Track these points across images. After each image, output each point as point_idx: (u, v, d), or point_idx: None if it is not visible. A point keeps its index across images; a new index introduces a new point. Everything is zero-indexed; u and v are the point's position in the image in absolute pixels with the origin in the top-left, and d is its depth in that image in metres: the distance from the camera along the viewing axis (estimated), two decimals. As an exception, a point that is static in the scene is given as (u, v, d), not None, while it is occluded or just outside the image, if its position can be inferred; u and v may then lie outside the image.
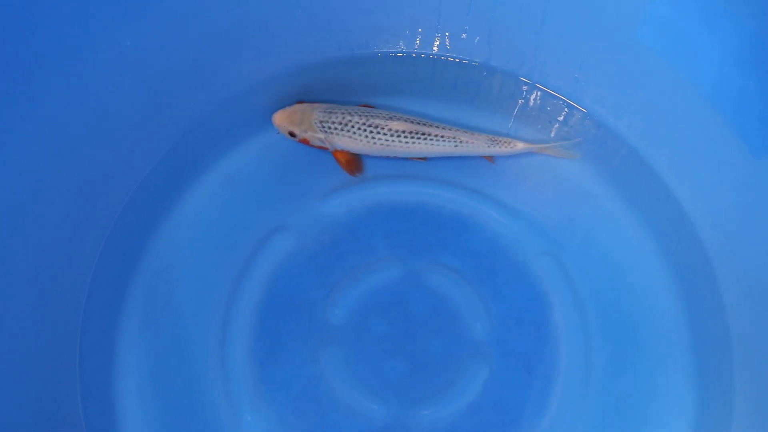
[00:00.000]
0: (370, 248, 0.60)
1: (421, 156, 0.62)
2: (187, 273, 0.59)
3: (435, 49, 0.66)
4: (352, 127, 0.59)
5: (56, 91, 0.52)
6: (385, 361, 0.56)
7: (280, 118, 0.60)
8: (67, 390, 0.54)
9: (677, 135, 0.59)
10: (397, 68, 0.66)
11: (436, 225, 0.61)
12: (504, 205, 0.62)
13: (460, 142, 0.60)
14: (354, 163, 0.62)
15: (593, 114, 0.64)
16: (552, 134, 0.64)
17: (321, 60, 0.65)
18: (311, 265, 0.59)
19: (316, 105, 0.61)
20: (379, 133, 0.59)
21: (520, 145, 0.61)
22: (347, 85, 0.65)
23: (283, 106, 0.61)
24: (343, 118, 0.59)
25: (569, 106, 0.65)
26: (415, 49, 0.66)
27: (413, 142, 0.60)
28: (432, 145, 0.60)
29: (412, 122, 0.60)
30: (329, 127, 0.59)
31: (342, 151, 0.61)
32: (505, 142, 0.61)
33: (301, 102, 0.62)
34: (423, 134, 0.60)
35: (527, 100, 0.65)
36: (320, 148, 0.61)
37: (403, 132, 0.60)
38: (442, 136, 0.60)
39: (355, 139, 0.60)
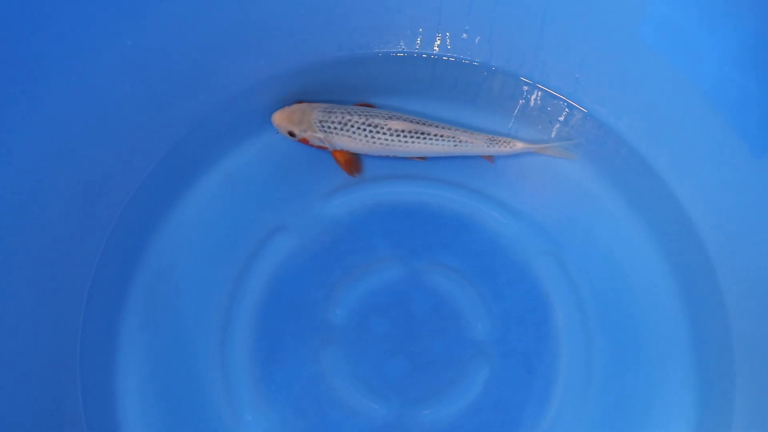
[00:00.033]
0: (370, 248, 0.60)
1: (421, 155, 0.62)
2: (187, 273, 0.59)
3: (436, 49, 0.66)
4: (352, 126, 0.59)
5: (57, 91, 0.52)
6: (386, 361, 0.56)
7: (279, 118, 0.60)
8: (67, 390, 0.54)
9: (678, 135, 0.59)
10: (398, 68, 0.66)
11: (437, 225, 0.61)
12: (504, 205, 0.62)
13: (460, 141, 0.60)
14: (353, 163, 0.62)
15: (594, 114, 0.64)
16: (552, 134, 0.64)
17: (322, 60, 0.65)
18: (312, 265, 0.59)
19: (315, 105, 0.61)
20: (378, 132, 0.59)
21: (519, 145, 0.61)
22: (348, 85, 0.65)
23: (283, 106, 0.61)
24: (343, 117, 0.59)
25: (570, 106, 0.65)
26: (416, 49, 0.66)
27: (413, 142, 0.60)
28: (431, 144, 0.60)
29: (412, 122, 0.60)
30: (329, 127, 0.59)
31: (341, 151, 0.61)
32: (505, 141, 0.61)
33: (300, 102, 0.62)
34: (422, 134, 0.60)
35: (528, 101, 0.65)
36: (320, 147, 0.61)
37: (403, 131, 0.60)
38: (442, 136, 0.60)
39: (355, 138, 0.60)
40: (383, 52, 0.66)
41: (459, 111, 0.64)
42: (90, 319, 0.56)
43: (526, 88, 0.65)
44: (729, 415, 0.54)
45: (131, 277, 0.58)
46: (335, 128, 0.59)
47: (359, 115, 0.60)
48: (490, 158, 0.63)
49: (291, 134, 0.61)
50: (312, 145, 0.61)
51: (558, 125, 0.65)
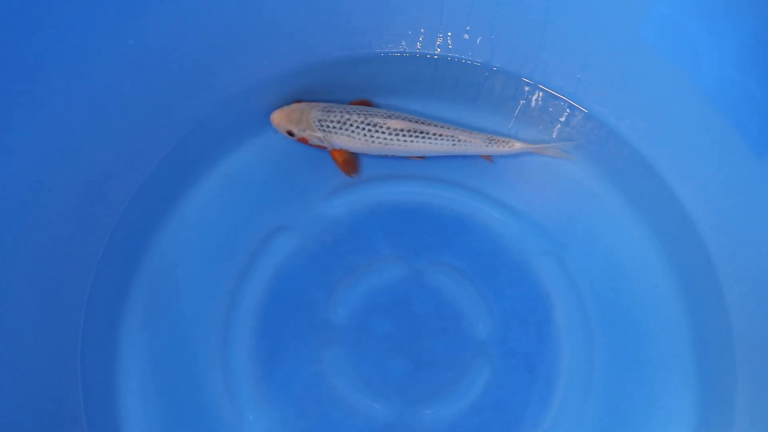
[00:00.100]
0: (371, 248, 0.60)
1: (420, 155, 0.62)
2: (188, 272, 0.59)
3: (437, 49, 0.66)
4: (351, 125, 0.59)
5: (58, 91, 0.52)
6: (387, 361, 0.56)
7: (278, 118, 0.60)
8: (68, 389, 0.54)
9: (679, 135, 0.60)
10: (399, 68, 0.66)
11: (438, 225, 0.61)
12: (505, 205, 0.62)
13: (458, 140, 0.60)
14: (351, 163, 0.62)
15: (595, 114, 0.64)
16: (554, 135, 0.64)
17: (323, 60, 0.65)
18: (312, 265, 0.59)
19: (314, 104, 0.61)
20: (377, 131, 0.59)
21: (518, 145, 0.61)
22: (349, 85, 0.65)
23: (282, 106, 0.61)
24: (342, 116, 0.59)
25: (571, 106, 0.65)
26: (418, 49, 0.66)
27: (411, 141, 0.60)
28: (430, 143, 0.60)
29: (411, 121, 0.60)
30: (328, 126, 0.59)
31: (339, 151, 0.61)
32: (503, 141, 0.61)
33: (299, 101, 0.62)
34: (421, 133, 0.60)
35: (529, 101, 0.65)
36: (318, 147, 0.61)
37: (402, 130, 0.60)
38: (441, 135, 0.60)
39: (354, 137, 0.60)
40: (384, 52, 0.66)
41: (460, 111, 0.65)
42: (91, 319, 0.56)
43: (527, 88, 0.66)
44: (730, 416, 0.54)
45: (132, 276, 0.58)
46: (334, 127, 0.59)
47: (358, 114, 0.60)
48: (489, 158, 0.63)
49: (290, 133, 0.61)
50: (311, 145, 0.61)
51: (559, 126, 0.65)
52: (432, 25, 0.64)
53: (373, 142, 0.60)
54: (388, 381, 0.56)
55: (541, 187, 0.63)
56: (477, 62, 0.66)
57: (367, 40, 0.65)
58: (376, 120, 0.60)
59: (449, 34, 0.65)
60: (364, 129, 0.59)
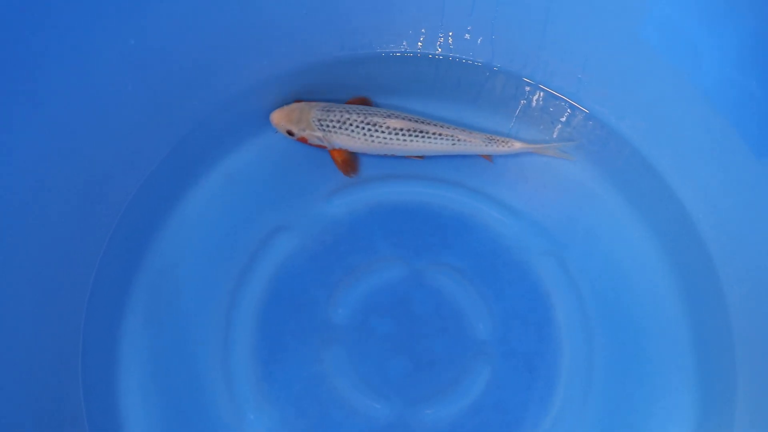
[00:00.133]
0: (371, 248, 0.60)
1: (419, 154, 0.62)
2: (189, 272, 0.59)
3: (438, 49, 0.66)
4: (351, 125, 0.59)
5: (58, 91, 0.52)
6: (388, 361, 0.56)
7: (278, 117, 0.60)
8: (69, 389, 0.54)
9: (680, 135, 0.59)
10: (400, 68, 0.66)
11: (438, 225, 0.61)
12: (506, 205, 0.62)
13: (458, 140, 0.60)
14: (350, 163, 0.62)
15: (596, 115, 0.64)
16: (554, 135, 0.64)
17: (323, 60, 0.64)
18: (313, 265, 0.59)
19: (313, 103, 0.61)
20: (377, 130, 0.59)
21: (518, 145, 0.61)
22: (350, 85, 0.65)
23: (282, 106, 0.61)
24: (341, 116, 0.59)
25: (572, 106, 0.65)
26: (418, 49, 0.66)
27: (411, 140, 0.60)
28: (429, 143, 0.60)
29: (410, 120, 0.60)
30: (327, 126, 0.59)
31: (338, 151, 0.61)
32: (503, 141, 0.61)
33: (298, 101, 0.62)
34: (421, 132, 0.60)
35: (530, 101, 0.65)
36: (318, 146, 0.61)
37: (401, 130, 0.60)
38: (440, 134, 0.60)
39: (353, 137, 0.60)
40: (385, 52, 0.66)
41: (461, 111, 0.64)
42: (92, 318, 0.56)
43: (528, 88, 0.65)
44: (730, 416, 0.54)
45: (133, 276, 0.58)
46: (334, 127, 0.59)
47: (358, 113, 0.60)
48: (489, 158, 0.63)
49: (289, 133, 0.61)
50: (311, 144, 0.61)
51: (560, 126, 0.65)
52: (433, 25, 0.64)
53: (372, 141, 0.60)
54: (388, 381, 0.56)
55: (541, 187, 0.63)
56: (478, 62, 0.66)
57: (367, 40, 0.65)
58: (375, 119, 0.60)
59: (450, 34, 0.65)
60: (363, 128, 0.59)
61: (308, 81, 0.64)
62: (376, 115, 0.60)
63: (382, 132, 0.59)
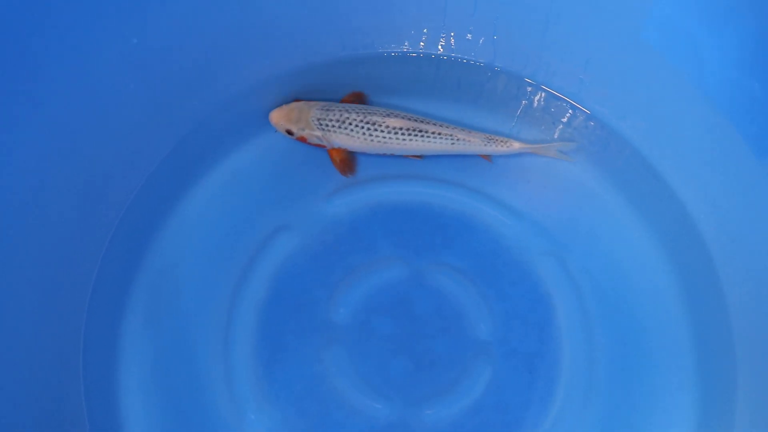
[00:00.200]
0: (372, 248, 0.60)
1: (418, 153, 0.62)
2: (190, 272, 0.59)
3: (440, 49, 0.66)
4: (350, 124, 0.59)
5: (59, 91, 0.52)
6: (388, 361, 0.57)
7: (277, 117, 0.60)
8: (70, 388, 0.54)
9: (681, 136, 0.59)
10: (401, 68, 0.66)
11: (439, 225, 0.61)
12: (507, 206, 0.62)
13: (457, 139, 0.60)
14: (348, 162, 0.62)
15: (597, 115, 0.64)
16: (555, 135, 0.64)
17: (324, 60, 0.64)
18: (314, 265, 0.59)
19: (313, 103, 0.61)
20: (376, 130, 0.59)
21: (517, 145, 0.61)
22: (350, 85, 0.65)
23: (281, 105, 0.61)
24: (341, 115, 0.59)
25: (573, 107, 0.65)
26: (420, 49, 0.66)
27: (410, 139, 0.60)
28: (429, 142, 0.60)
29: (410, 119, 0.60)
30: (327, 125, 0.59)
31: (337, 150, 0.61)
32: (502, 141, 0.61)
33: (298, 100, 0.62)
34: (420, 131, 0.60)
35: (531, 101, 0.65)
36: (317, 146, 0.61)
37: (401, 129, 0.60)
38: (439, 134, 0.60)
39: (353, 136, 0.60)
40: (387, 52, 0.66)
41: (462, 111, 0.64)
42: (93, 318, 0.56)
43: (529, 88, 0.65)
44: (730, 416, 0.54)
45: (134, 276, 0.58)
46: (333, 126, 0.59)
47: (357, 112, 0.60)
48: (488, 158, 0.62)
49: (289, 132, 0.61)
50: (310, 144, 0.61)
51: (561, 126, 0.65)
52: (435, 26, 0.64)
53: (372, 140, 0.60)
54: (389, 381, 0.56)
55: (542, 188, 0.63)
56: (479, 62, 0.66)
57: (369, 40, 0.64)
58: (375, 118, 0.59)
59: (452, 34, 0.64)
60: (363, 127, 0.59)
61: (309, 81, 0.64)
62: (376, 114, 0.60)
63: (382, 131, 0.59)
